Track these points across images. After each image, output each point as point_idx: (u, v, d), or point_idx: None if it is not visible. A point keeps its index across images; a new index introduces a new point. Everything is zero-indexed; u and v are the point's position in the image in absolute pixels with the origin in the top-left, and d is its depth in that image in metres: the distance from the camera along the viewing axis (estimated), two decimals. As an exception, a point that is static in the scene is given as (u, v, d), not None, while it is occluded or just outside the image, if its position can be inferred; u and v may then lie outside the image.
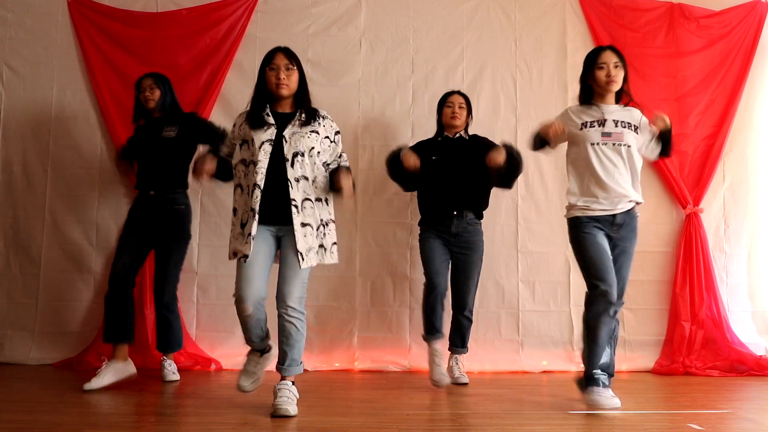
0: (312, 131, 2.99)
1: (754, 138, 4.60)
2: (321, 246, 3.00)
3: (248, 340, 3.07)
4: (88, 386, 3.35)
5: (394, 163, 3.75)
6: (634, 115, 3.26)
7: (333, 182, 3.00)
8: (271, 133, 2.94)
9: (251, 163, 2.94)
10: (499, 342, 4.35)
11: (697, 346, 4.27)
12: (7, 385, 3.60)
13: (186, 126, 3.77)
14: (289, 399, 2.90)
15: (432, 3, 4.58)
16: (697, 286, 4.35)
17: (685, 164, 4.51)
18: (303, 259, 2.90)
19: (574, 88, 4.53)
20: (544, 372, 4.24)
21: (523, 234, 4.43)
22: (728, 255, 4.51)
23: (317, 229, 2.99)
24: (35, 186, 4.35)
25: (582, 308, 3.18)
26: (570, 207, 3.26)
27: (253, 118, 2.98)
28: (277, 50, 3.04)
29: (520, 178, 4.44)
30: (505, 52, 4.57)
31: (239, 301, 2.93)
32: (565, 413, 3.03)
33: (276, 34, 4.36)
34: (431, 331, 3.72)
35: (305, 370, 2.99)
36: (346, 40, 4.53)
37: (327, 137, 3.05)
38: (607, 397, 3.02)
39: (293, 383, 2.97)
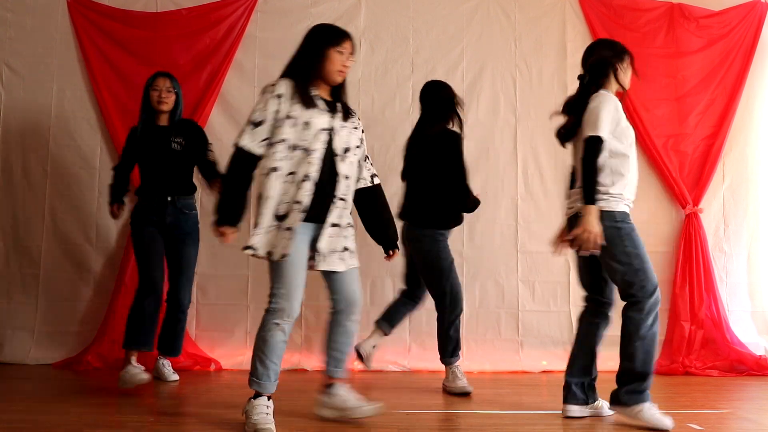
0: (354, 127, 2.77)
1: (754, 138, 4.61)
2: (346, 249, 2.76)
3: (263, 375, 2.60)
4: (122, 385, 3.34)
5: None
6: None
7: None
8: (326, 120, 2.65)
9: (302, 149, 2.61)
10: (499, 342, 4.35)
11: (697, 346, 4.28)
12: (7, 385, 3.60)
13: (192, 140, 3.69)
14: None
15: (432, 3, 4.59)
16: (697, 286, 4.36)
17: (684, 164, 4.52)
18: (323, 260, 2.68)
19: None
20: (544, 372, 4.24)
21: (522, 234, 4.43)
22: (728, 255, 4.52)
23: (346, 229, 2.76)
24: (35, 186, 4.34)
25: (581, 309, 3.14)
26: (613, 197, 2.79)
27: (305, 96, 2.63)
28: (349, 36, 2.73)
29: (520, 178, 4.47)
30: (505, 52, 4.57)
31: (280, 314, 2.60)
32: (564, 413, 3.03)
33: (276, 34, 4.37)
34: (455, 353, 3.54)
35: (304, 370, 2.97)
36: (346, 40, 4.53)
37: (360, 137, 2.81)
38: (661, 414, 2.78)
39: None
